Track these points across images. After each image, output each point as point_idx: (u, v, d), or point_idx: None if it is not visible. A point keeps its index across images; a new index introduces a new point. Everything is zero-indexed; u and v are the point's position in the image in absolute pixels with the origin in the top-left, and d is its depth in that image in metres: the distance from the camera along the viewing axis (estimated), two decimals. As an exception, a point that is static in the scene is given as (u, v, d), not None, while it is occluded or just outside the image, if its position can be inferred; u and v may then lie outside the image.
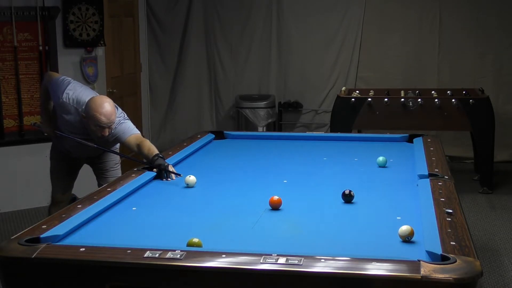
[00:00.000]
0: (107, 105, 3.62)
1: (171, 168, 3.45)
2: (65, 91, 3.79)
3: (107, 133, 3.66)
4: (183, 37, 7.84)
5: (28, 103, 5.72)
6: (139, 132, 3.87)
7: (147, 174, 3.38)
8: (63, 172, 4.19)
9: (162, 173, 3.41)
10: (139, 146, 3.68)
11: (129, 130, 3.78)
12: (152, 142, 3.81)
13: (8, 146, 5.68)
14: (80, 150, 3.98)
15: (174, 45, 7.85)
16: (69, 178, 4.23)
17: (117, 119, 3.74)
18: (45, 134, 4.16)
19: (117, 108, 3.79)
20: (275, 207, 2.83)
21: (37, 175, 5.54)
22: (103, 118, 3.59)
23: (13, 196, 5.77)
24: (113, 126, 3.69)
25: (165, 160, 3.52)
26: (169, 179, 3.40)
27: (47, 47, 5.72)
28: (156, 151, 3.56)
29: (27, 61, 5.68)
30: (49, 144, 4.25)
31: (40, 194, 5.46)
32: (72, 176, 4.24)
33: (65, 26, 5.84)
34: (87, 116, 3.64)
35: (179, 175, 3.42)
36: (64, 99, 3.78)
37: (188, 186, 3.25)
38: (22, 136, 5.73)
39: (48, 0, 5.68)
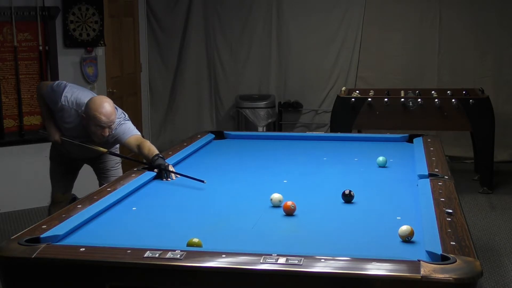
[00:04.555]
0: (107, 105, 3.62)
1: (171, 168, 3.46)
2: (63, 95, 3.78)
3: (107, 133, 3.66)
4: (183, 37, 7.84)
5: (28, 103, 5.72)
6: (139, 133, 3.87)
7: (147, 174, 3.38)
8: (62, 172, 4.19)
9: (162, 173, 3.41)
10: (139, 146, 3.68)
11: (129, 131, 3.78)
12: (152, 142, 3.81)
13: (8, 146, 5.68)
14: (80, 152, 3.98)
15: (174, 45, 7.85)
16: (69, 178, 4.22)
17: (117, 119, 3.74)
18: (52, 141, 4.05)
19: (117, 109, 3.79)
20: (289, 212, 2.75)
21: (37, 175, 5.54)
22: (103, 118, 3.59)
23: (13, 196, 5.77)
24: (114, 126, 3.69)
25: (165, 160, 3.52)
26: (169, 179, 3.40)
27: (47, 47, 5.72)
28: (156, 151, 3.56)
29: (27, 61, 5.68)
30: (49, 144, 4.25)
31: (40, 194, 5.45)
32: (72, 176, 4.24)
33: (65, 26, 5.84)
34: (87, 117, 3.64)
35: (177, 175, 3.42)
36: (63, 103, 3.77)
37: (274, 205, 2.89)
38: (22, 136, 5.73)
39: (48, 0, 5.69)
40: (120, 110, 3.84)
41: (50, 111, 3.96)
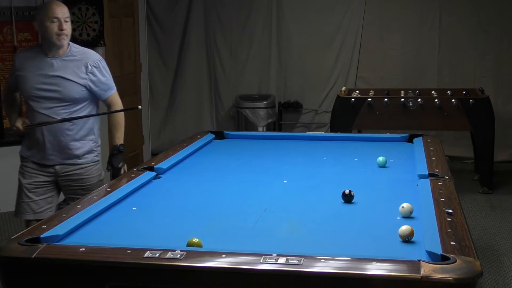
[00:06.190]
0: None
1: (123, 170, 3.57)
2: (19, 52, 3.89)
3: (64, 27, 3.55)
4: (183, 37, 7.85)
5: (28, 103, 5.71)
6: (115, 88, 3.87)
7: (147, 174, 3.38)
8: (37, 191, 3.94)
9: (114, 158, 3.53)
10: (110, 108, 3.77)
11: (111, 85, 3.85)
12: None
13: (8, 146, 5.68)
14: (55, 133, 3.79)
15: (174, 45, 7.86)
16: (38, 201, 3.96)
17: (98, 57, 3.76)
18: (14, 129, 3.96)
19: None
20: None
21: (37, 175, 5.53)
22: (55, 6, 3.57)
23: (13, 196, 5.75)
24: (70, 26, 3.60)
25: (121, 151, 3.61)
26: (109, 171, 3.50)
27: (47, 47, 5.71)
28: (120, 141, 3.67)
29: (27, 61, 5.67)
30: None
31: (40, 194, 5.44)
32: (48, 196, 3.97)
33: (65, 26, 5.84)
34: (39, 17, 3.60)
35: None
36: (19, 51, 3.87)
37: (404, 215, 2.72)
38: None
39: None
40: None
41: (13, 102, 4.08)
